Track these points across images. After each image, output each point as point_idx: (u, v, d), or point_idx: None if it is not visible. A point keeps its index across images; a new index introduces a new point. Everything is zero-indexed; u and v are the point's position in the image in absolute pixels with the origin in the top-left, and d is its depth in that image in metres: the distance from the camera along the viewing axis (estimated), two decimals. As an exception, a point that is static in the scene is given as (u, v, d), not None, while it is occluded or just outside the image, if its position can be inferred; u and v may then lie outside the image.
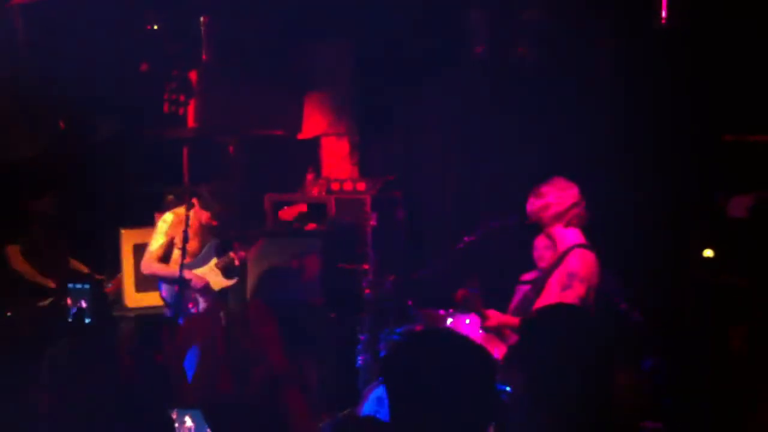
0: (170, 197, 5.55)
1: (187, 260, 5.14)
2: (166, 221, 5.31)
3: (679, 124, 5.87)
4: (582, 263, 3.95)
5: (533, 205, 4.15)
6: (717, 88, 5.61)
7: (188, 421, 2.70)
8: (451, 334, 2.08)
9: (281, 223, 5.90)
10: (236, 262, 5.35)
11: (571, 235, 4.06)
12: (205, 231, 5.37)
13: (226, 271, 5.35)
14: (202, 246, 5.33)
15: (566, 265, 3.96)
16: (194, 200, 5.22)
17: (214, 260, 5.33)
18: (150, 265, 5.33)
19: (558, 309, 2.52)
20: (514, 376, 4.29)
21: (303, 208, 5.57)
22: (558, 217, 4.06)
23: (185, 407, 2.70)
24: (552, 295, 3.96)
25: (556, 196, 4.08)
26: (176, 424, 2.68)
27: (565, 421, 2.05)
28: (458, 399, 1.86)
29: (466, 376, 1.89)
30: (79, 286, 4.99)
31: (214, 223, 5.26)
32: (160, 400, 2.74)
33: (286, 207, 5.58)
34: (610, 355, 2.13)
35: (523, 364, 2.22)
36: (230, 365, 5.09)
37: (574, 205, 4.07)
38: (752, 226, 5.23)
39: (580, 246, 4.02)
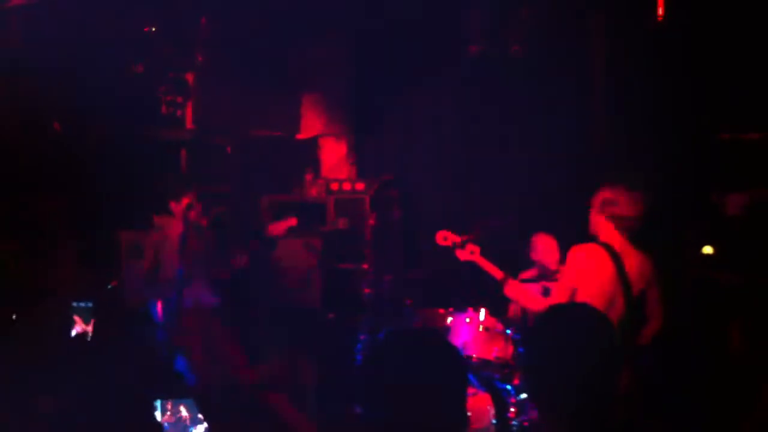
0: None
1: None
2: (149, 237, 5.42)
3: (675, 122, 5.90)
4: (577, 257, 3.97)
5: (594, 199, 4.14)
6: (712, 86, 5.64)
7: (183, 411, 2.73)
8: (425, 334, 2.11)
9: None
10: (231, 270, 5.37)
11: (605, 230, 4.05)
12: (194, 245, 5.40)
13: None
14: (190, 260, 5.38)
15: (568, 253, 4.02)
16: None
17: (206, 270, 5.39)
18: (142, 287, 5.41)
19: (561, 310, 2.54)
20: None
21: (293, 222, 5.57)
22: (616, 219, 4.07)
23: (179, 397, 2.72)
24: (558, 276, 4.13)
25: (627, 203, 4.03)
26: (172, 414, 2.71)
27: (568, 419, 2.07)
28: (429, 399, 1.89)
29: (438, 376, 1.93)
30: (82, 304, 4.88)
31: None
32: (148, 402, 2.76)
33: (275, 222, 5.57)
34: (613, 354, 2.15)
35: (528, 363, 2.24)
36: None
37: (636, 218, 4.03)
38: (748, 223, 5.26)
39: (597, 242, 4.03)
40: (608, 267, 3.93)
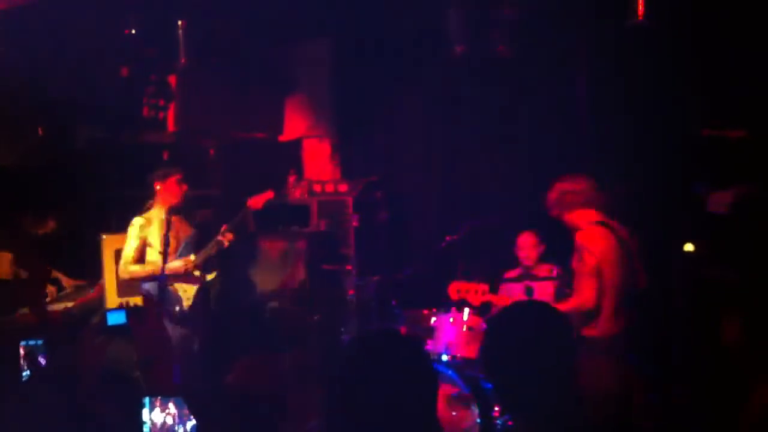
0: (150, 202, 5.48)
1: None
2: (135, 224, 5.34)
3: (658, 119, 5.90)
4: (588, 237, 4.11)
5: (551, 198, 4.31)
6: (694, 83, 5.64)
7: (171, 408, 2.71)
8: (395, 337, 2.07)
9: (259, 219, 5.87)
10: (220, 246, 5.29)
11: (587, 215, 4.22)
12: (180, 229, 5.37)
13: (205, 265, 5.34)
14: (178, 244, 5.32)
15: (576, 240, 4.14)
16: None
17: (192, 256, 5.33)
18: (126, 269, 5.34)
19: (518, 307, 2.53)
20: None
21: (270, 195, 5.53)
22: (575, 204, 4.22)
23: (166, 396, 2.70)
24: (575, 270, 4.16)
25: (570, 185, 4.26)
26: (160, 412, 2.69)
27: (534, 416, 2.05)
28: (399, 404, 1.85)
29: (409, 379, 1.88)
30: (32, 342, 4.61)
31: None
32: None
33: (254, 197, 5.52)
34: (572, 352, 2.13)
35: (487, 362, 2.22)
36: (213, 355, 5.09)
37: (586, 189, 4.25)
38: (733, 221, 5.26)
39: (592, 223, 4.18)
40: (614, 241, 4.11)
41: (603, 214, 4.24)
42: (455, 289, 4.80)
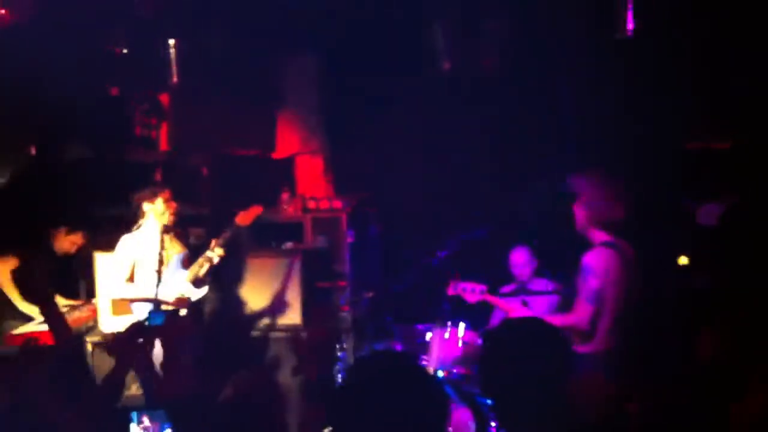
0: (141, 221, 5.46)
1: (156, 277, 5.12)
2: (124, 244, 5.35)
3: (647, 133, 5.96)
4: (596, 260, 4.13)
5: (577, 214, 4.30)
6: (681, 97, 5.71)
7: (146, 421, 2.73)
8: (400, 360, 2.08)
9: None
10: (210, 263, 5.29)
11: (598, 235, 4.23)
12: (172, 247, 5.37)
13: (196, 282, 5.34)
14: (169, 262, 5.32)
15: (583, 260, 4.16)
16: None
17: (183, 273, 5.33)
18: (118, 289, 5.35)
19: (514, 322, 2.57)
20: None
21: (259, 210, 5.51)
22: (590, 220, 4.23)
23: (151, 408, 2.72)
24: (578, 290, 4.19)
25: (590, 197, 4.24)
26: (135, 424, 2.70)
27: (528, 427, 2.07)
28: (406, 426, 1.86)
29: (413, 404, 1.88)
30: None
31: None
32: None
33: (241, 212, 5.48)
34: (568, 366, 2.16)
35: (484, 376, 2.25)
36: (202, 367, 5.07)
37: (601, 206, 4.22)
38: (721, 232, 5.31)
39: (601, 244, 4.18)
40: (620, 264, 4.13)
41: (612, 233, 4.23)
42: (453, 285, 4.83)
